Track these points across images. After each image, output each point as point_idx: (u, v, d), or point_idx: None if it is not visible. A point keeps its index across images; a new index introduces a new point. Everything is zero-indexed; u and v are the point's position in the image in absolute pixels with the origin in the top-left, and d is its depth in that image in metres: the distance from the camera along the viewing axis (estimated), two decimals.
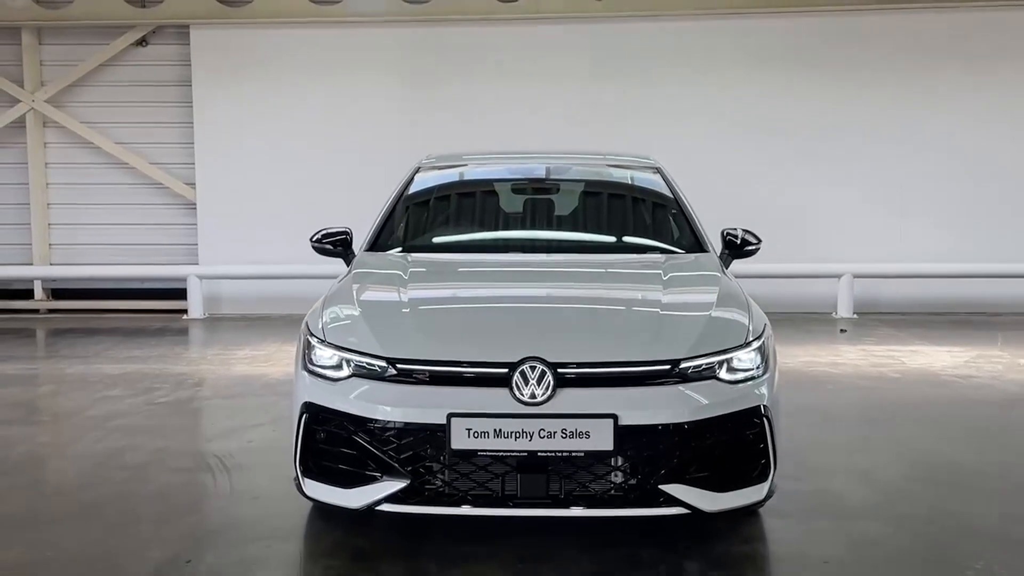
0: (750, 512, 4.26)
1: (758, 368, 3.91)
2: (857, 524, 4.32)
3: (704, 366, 3.80)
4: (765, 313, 4.27)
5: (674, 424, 3.69)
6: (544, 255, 5.20)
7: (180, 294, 11.85)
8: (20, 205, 12.33)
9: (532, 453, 3.63)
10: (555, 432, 3.61)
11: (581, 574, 3.78)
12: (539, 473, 3.66)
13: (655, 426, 3.67)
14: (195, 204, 12.06)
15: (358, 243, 5.26)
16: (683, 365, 3.77)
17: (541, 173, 5.87)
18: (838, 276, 11.34)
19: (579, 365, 3.72)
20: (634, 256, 5.15)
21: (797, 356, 8.50)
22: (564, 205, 5.61)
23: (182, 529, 4.33)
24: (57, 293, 12.55)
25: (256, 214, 11.86)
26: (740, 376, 3.85)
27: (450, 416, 3.62)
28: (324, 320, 4.12)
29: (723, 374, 3.82)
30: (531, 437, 3.61)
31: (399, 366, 3.78)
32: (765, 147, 11.61)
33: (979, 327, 10.40)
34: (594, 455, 3.65)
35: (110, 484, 4.99)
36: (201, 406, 6.96)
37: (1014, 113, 11.54)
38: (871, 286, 11.61)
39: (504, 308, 4.36)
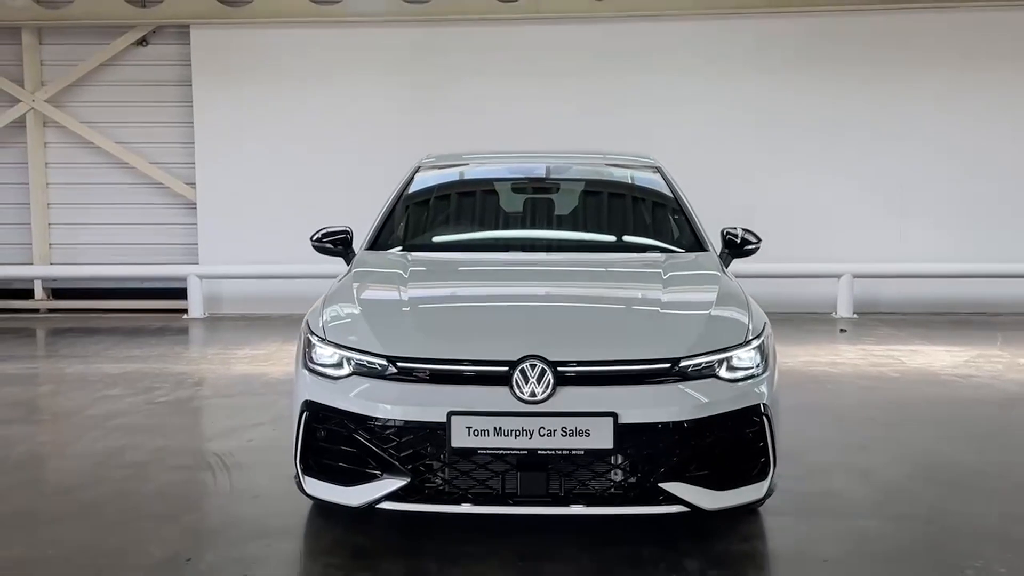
0: (750, 511, 4.27)
1: (758, 367, 3.91)
2: (857, 523, 4.33)
3: (704, 364, 3.80)
4: (765, 313, 4.28)
5: (674, 422, 3.69)
6: (544, 254, 5.21)
7: (180, 294, 11.86)
8: (20, 205, 12.35)
9: (532, 451, 3.63)
10: (555, 430, 3.62)
11: (581, 572, 3.79)
12: (539, 471, 3.66)
13: (655, 424, 3.68)
14: (195, 204, 12.07)
15: (358, 242, 5.26)
16: (683, 363, 3.77)
17: (541, 172, 5.87)
18: (838, 276, 11.35)
19: (579, 363, 3.72)
20: (634, 255, 5.15)
21: (797, 356, 8.50)
22: (564, 204, 5.62)
23: (182, 527, 4.34)
24: (57, 293, 12.57)
25: (256, 214, 11.87)
26: (740, 375, 3.85)
27: (450, 414, 3.63)
28: (324, 319, 4.12)
29: (723, 373, 3.83)
30: (531, 435, 3.62)
31: (399, 364, 3.79)
32: (765, 147, 11.63)
33: (979, 327, 10.41)
34: (594, 453, 3.65)
35: (110, 483, 4.99)
36: (201, 405, 6.97)
37: (1014, 113, 11.55)
38: (871, 286, 11.62)
39: (504, 307, 4.36)
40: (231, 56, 11.89)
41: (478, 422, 3.62)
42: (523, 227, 5.56)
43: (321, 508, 4.29)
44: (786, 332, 9.43)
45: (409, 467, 3.71)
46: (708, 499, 3.75)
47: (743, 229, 5.23)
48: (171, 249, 12.34)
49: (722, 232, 5.25)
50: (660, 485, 3.69)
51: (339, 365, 3.90)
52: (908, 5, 11.44)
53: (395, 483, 3.72)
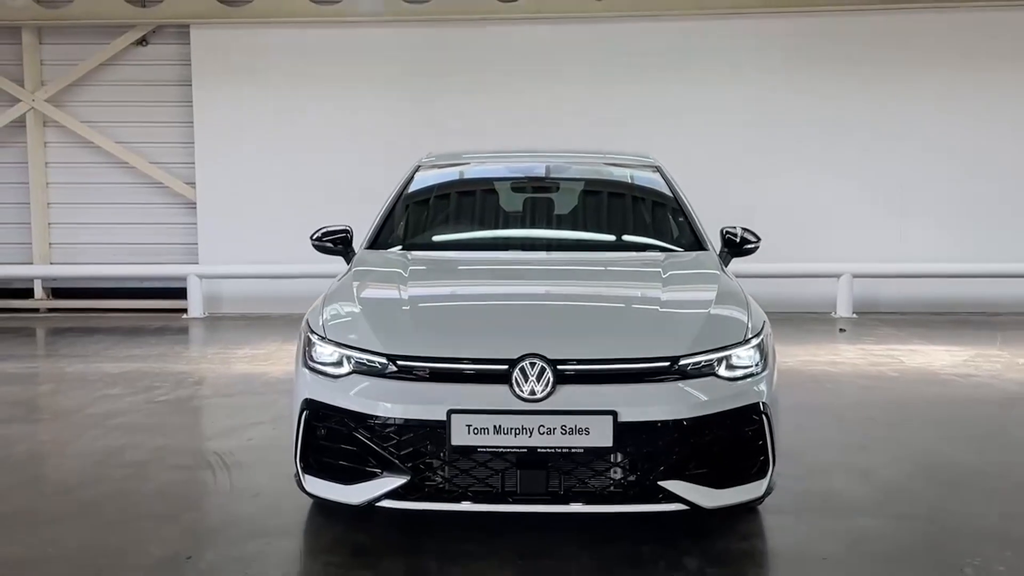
0: (749, 509, 4.28)
1: (757, 365, 3.92)
2: (856, 521, 4.33)
3: (703, 363, 3.81)
4: (764, 312, 4.28)
5: (673, 420, 3.70)
6: (544, 253, 5.22)
7: (180, 293, 11.87)
8: (20, 204, 12.35)
9: (532, 449, 3.64)
10: (555, 428, 3.62)
11: (581, 570, 3.79)
12: (539, 469, 3.67)
13: (654, 422, 3.68)
14: (195, 203, 12.08)
15: (358, 241, 5.27)
16: (682, 362, 3.78)
17: (541, 172, 5.87)
18: (837, 276, 11.36)
19: (579, 362, 3.73)
20: (634, 254, 5.15)
21: (796, 355, 8.51)
22: (564, 204, 5.62)
23: (182, 526, 4.34)
24: (57, 292, 12.57)
25: (256, 213, 11.88)
26: (739, 373, 3.86)
27: (450, 412, 3.64)
28: (324, 317, 4.13)
29: (722, 371, 3.83)
30: (531, 433, 3.62)
31: (399, 363, 3.79)
32: (765, 147, 11.64)
33: (978, 327, 10.41)
34: (593, 451, 3.66)
35: (110, 482, 4.99)
36: (201, 404, 6.97)
37: (1014, 113, 11.56)
38: (870, 286, 11.63)
39: (504, 305, 4.37)
40: (231, 56, 11.89)
41: (478, 420, 3.63)
42: (523, 226, 5.57)
43: (321, 506, 4.30)
44: (786, 332, 9.44)
45: (409, 465, 3.72)
46: (707, 497, 3.76)
47: (742, 228, 5.24)
48: (171, 249, 12.34)
49: (721, 231, 5.26)
50: (659, 483, 3.70)
51: (339, 364, 3.90)
52: (908, 5, 11.45)
53: (395, 481, 3.73)
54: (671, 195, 5.49)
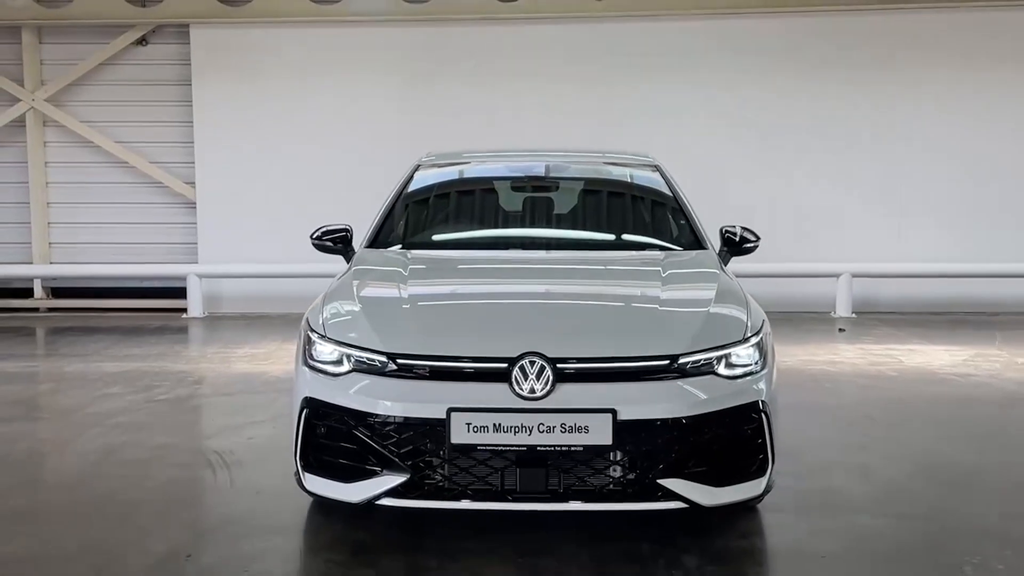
0: (748, 508, 4.28)
1: (756, 364, 3.93)
2: (855, 520, 4.34)
3: (702, 361, 3.82)
4: (764, 311, 4.29)
5: (672, 419, 3.70)
6: (543, 252, 5.23)
7: (180, 293, 11.86)
8: (20, 204, 12.34)
9: (531, 447, 3.65)
10: (554, 427, 3.63)
11: (580, 568, 3.80)
12: (538, 467, 3.68)
13: (654, 421, 3.69)
14: (195, 203, 12.08)
15: (358, 241, 5.28)
16: (682, 360, 3.79)
17: (540, 171, 5.87)
18: (837, 275, 11.36)
19: (578, 360, 3.74)
20: (633, 253, 5.15)
21: (795, 355, 8.52)
22: (563, 203, 5.63)
23: (182, 524, 4.35)
24: (57, 292, 12.56)
25: (256, 213, 11.88)
26: (738, 371, 3.87)
27: (450, 411, 3.64)
28: (324, 316, 4.13)
29: (721, 369, 3.84)
30: (530, 432, 3.63)
31: (399, 361, 3.80)
32: (765, 146, 11.64)
33: (977, 326, 10.42)
34: (593, 449, 3.67)
35: (111, 480, 5.00)
36: (201, 403, 6.98)
37: (1014, 113, 11.56)
38: (870, 286, 11.63)
39: (504, 304, 4.38)
40: (231, 56, 11.89)
41: (478, 418, 3.64)
42: (522, 225, 5.57)
43: (321, 505, 4.31)
44: (785, 331, 9.44)
45: (409, 463, 3.73)
46: (706, 495, 3.77)
47: (742, 227, 5.25)
48: (171, 248, 12.34)
49: (721, 230, 5.26)
50: (659, 481, 3.71)
51: (339, 362, 3.91)
52: (908, 5, 11.45)
53: (395, 479, 3.73)
54: (671, 194, 5.50)
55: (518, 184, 5.75)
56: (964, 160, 11.58)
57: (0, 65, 12.22)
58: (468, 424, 3.63)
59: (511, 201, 5.68)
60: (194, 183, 12.05)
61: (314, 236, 5.25)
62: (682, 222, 5.32)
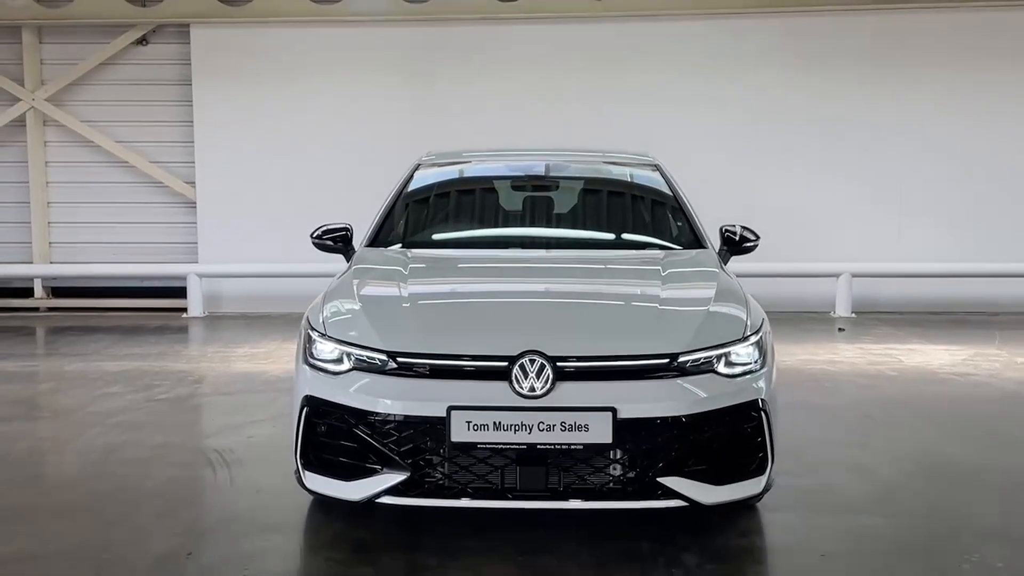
0: (748, 506, 4.29)
1: (756, 362, 3.93)
2: (854, 518, 4.34)
3: (702, 360, 3.82)
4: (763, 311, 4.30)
5: (672, 417, 3.71)
6: (543, 251, 5.23)
7: (180, 293, 11.87)
8: (20, 203, 12.34)
9: (531, 446, 3.65)
10: (554, 425, 3.64)
11: (580, 566, 3.80)
12: (538, 466, 3.68)
13: (653, 419, 3.70)
14: (195, 203, 12.08)
15: (358, 240, 5.28)
16: (681, 359, 3.79)
17: (540, 170, 5.88)
18: (836, 275, 11.37)
19: (578, 359, 3.74)
20: (633, 252, 5.16)
21: (795, 354, 8.52)
22: (563, 202, 5.63)
23: (183, 522, 4.36)
24: (57, 291, 12.56)
25: (256, 213, 11.88)
26: (738, 370, 3.87)
27: (450, 409, 3.65)
28: (325, 314, 4.14)
29: (721, 368, 3.84)
30: (530, 430, 3.64)
31: (399, 359, 3.80)
32: (765, 146, 11.65)
33: (977, 326, 10.42)
34: (593, 448, 3.67)
35: (111, 479, 5.01)
36: (201, 403, 6.98)
37: (1013, 113, 11.57)
38: (869, 285, 11.64)
39: (504, 303, 4.39)
40: (231, 56, 11.90)
41: (478, 417, 3.64)
42: (522, 225, 5.57)
43: (321, 503, 4.32)
44: (785, 331, 9.44)
45: (409, 462, 3.73)
46: (706, 494, 3.77)
47: (742, 227, 5.26)
48: (171, 248, 12.34)
49: (721, 229, 5.27)
50: (658, 480, 3.71)
51: (339, 360, 3.92)
52: (908, 5, 11.46)
53: (395, 477, 3.74)
54: (670, 194, 5.50)
55: (518, 183, 5.76)
56: (964, 160, 11.59)
57: (0, 65, 12.23)
58: (468, 422, 3.64)
59: (511, 200, 5.69)
60: (194, 183, 12.06)
61: (314, 235, 5.25)
62: (682, 221, 5.33)
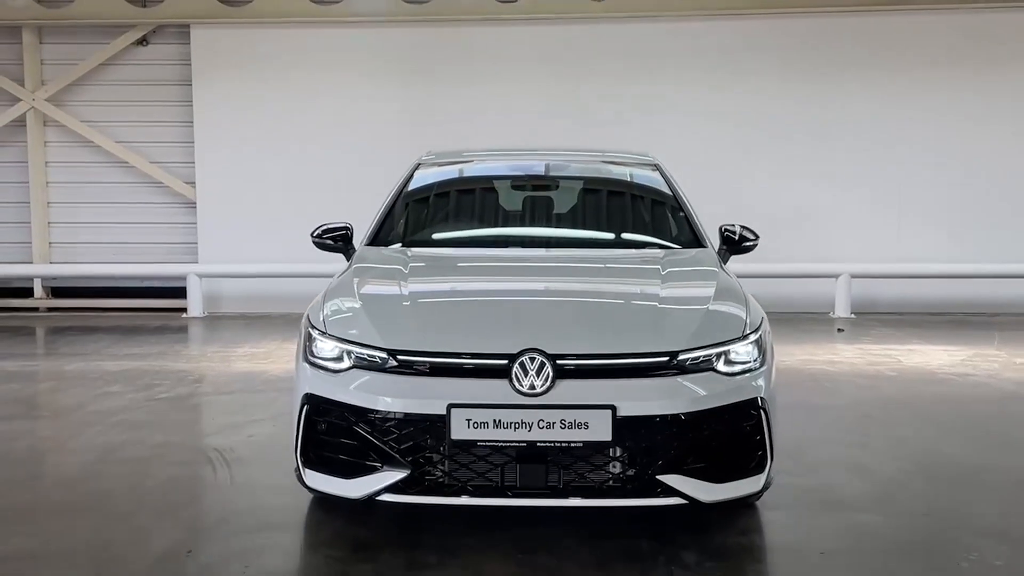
0: (747, 505, 4.30)
1: (755, 361, 3.94)
2: (854, 517, 4.35)
3: (702, 358, 3.83)
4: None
5: (672, 415, 3.72)
6: (543, 250, 5.24)
7: (180, 293, 11.88)
8: (20, 203, 12.36)
9: (531, 443, 3.66)
10: (554, 423, 3.64)
11: (580, 564, 3.80)
12: (538, 463, 3.69)
13: (653, 417, 3.70)
14: (195, 203, 12.09)
15: (358, 239, 5.29)
16: (681, 357, 3.80)
17: (540, 170, 5.89)
18: (835, 276, 11.38)
19: (578, 357, 3.75)
20: (633, 251, 5.17)
21: (794, 355, 8.53)
22: (563, 202, 5.64)
23: (183, 520, 4.36)
24: (57, 291, 12.57)
25: (256, 213, 11.89)
26: (737, 368, 3.88)
27: (450, 407, 3.65)
28: (325, 313, 4.14)
29: (720, 366, 3.85)
30: (530, 428, 3.64)
31: (400, 357, 3.81)
32: (764, 147, 11.66)
33: (976, 327, 10.44)
34: (592, 445, 3.68)
35: (111, 477, 5.01)
36: (201, 402, 6.99)
37: (1013, 114, 11.58)
38: (869, 286, 11.65)
39: (504, 301, 4.40)
40: (231, 56, 11.91)
41: (478, 415, 3.65)
42: (522, 224, 5.58)
43: (321, 501, 4.32)
44: (784, 332, 9.45)
45: (409, 459, 3.74)
46: (706, 492, 3.78)
47: (741, 226, 5.26)
48: (171, 248, 12.36)
49: (720, 229, 5.28)
50: (658, 477, 3.72)
51: (340, 359, 3.92)
52: (908, 7, 11.48)
53: (395, 475, 3.74)
54: (670, 193, 5.51)
55: (518, 183, 5.77)
56: (964, 160, 11.60)
57: (0, 65, 12.24)
58: (468, 420, 3.65)
59: (511, 200, 5.70)
60: (194, 183, 12.07)
61: (315, 234, 5.26)
62: (681, 221, 5.34)
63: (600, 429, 3.65)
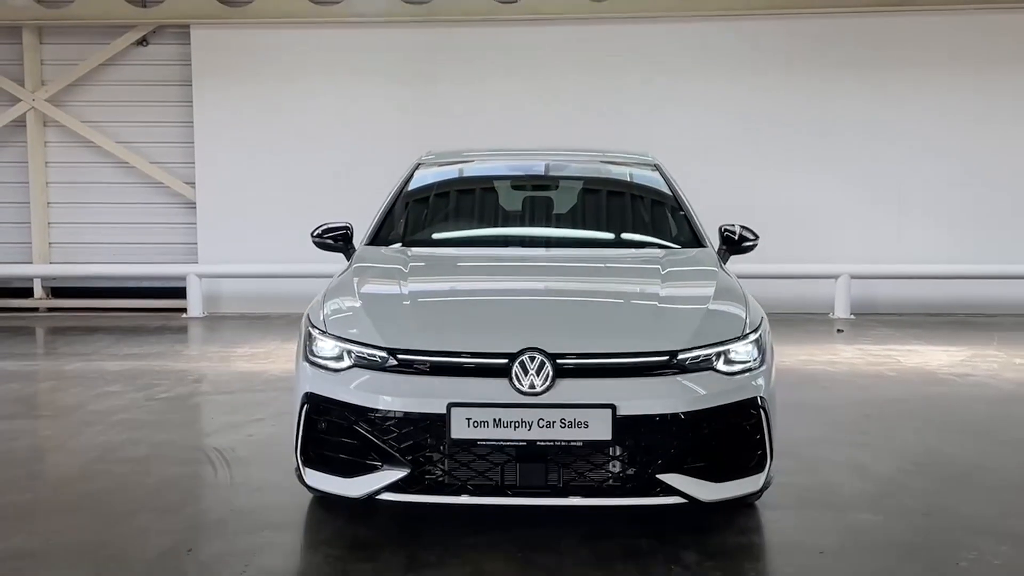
0: (747, 504, 4.30)
1: (755, 360, 3.94)
2: (853, 516, 4.35)
3: (701, 357, 3.83)
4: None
5: (671, 414, 3.72)
6: (543, 250, 5.24)
7: (180, 293, 11.89)
8: (20, 204, 12.37)
9: (531, 442, 3.66)
10: (554, 422, 3.64)
11: (579, 564, 3.80)
12: (538, 462, 3.69)
13: (653, 416, 3.70)
14: (195, 203, 12.11)
15: (358, 238, 5.29)
16: (681, 356, 3.80)
17: (540, 170, 5.90)
18: (835, 277, 11.39)
19: (578, 356, 3.75)
20: (632, 251, 5.18)
21: (794, 355, 8.53)
22: (563, 201, 5.64)
23: (183, 519, 4.36)
24: (57, 291, 12.59)
25: (256, 213, 11.90)
26: (737, 368, 3.88)
27: (450, 406, 3.65)
28: (325, 312, 4.15)
29: (720, 365, 3.85)
30: (530, 427, 3.64)
31: (400, 357, 3.81)
32: (764, 147, 11.68)
33: (976, 327, 10.44)
34: (592, 445, 3.68)
35: (112, 476, 5.01)
36: (201, 402, 6.99)
37: (1012, 114, 11.60)
38: (868, 287, 11.66)
39: (504, 300, 4.40)
40: (231, 56, 11.93)
41: (478, 414, 3.65)
42: (522, 224, 5.58)
43: (321, 500, 4.32)
44: (784, 332, 9.46)
45: (409, 458, 3.74)
46: (705, 491, 3.78)
47: (741, 226, 5.26)
48: (171, 248, 12.37)
49: (720, 229, 5.28)
50: (658, 477, 3.72)
51: (340, 358, 3.92)
52: (907, 7, 11.49)
53: (395, 474, 3.74)
54: (670, 193, 5.52)
55: (518, 183, 5.78)
56: (964, 161, 11.62)
57: (0, 65, 12.26)
58: (468, 419, 3.65)
59: (511, 200, 5.70)
60: (194, 183, 12.08)
61: (315, 234, 5.26)
62: (681, 221, 5.34)
63: (600, 428, 3.65)
